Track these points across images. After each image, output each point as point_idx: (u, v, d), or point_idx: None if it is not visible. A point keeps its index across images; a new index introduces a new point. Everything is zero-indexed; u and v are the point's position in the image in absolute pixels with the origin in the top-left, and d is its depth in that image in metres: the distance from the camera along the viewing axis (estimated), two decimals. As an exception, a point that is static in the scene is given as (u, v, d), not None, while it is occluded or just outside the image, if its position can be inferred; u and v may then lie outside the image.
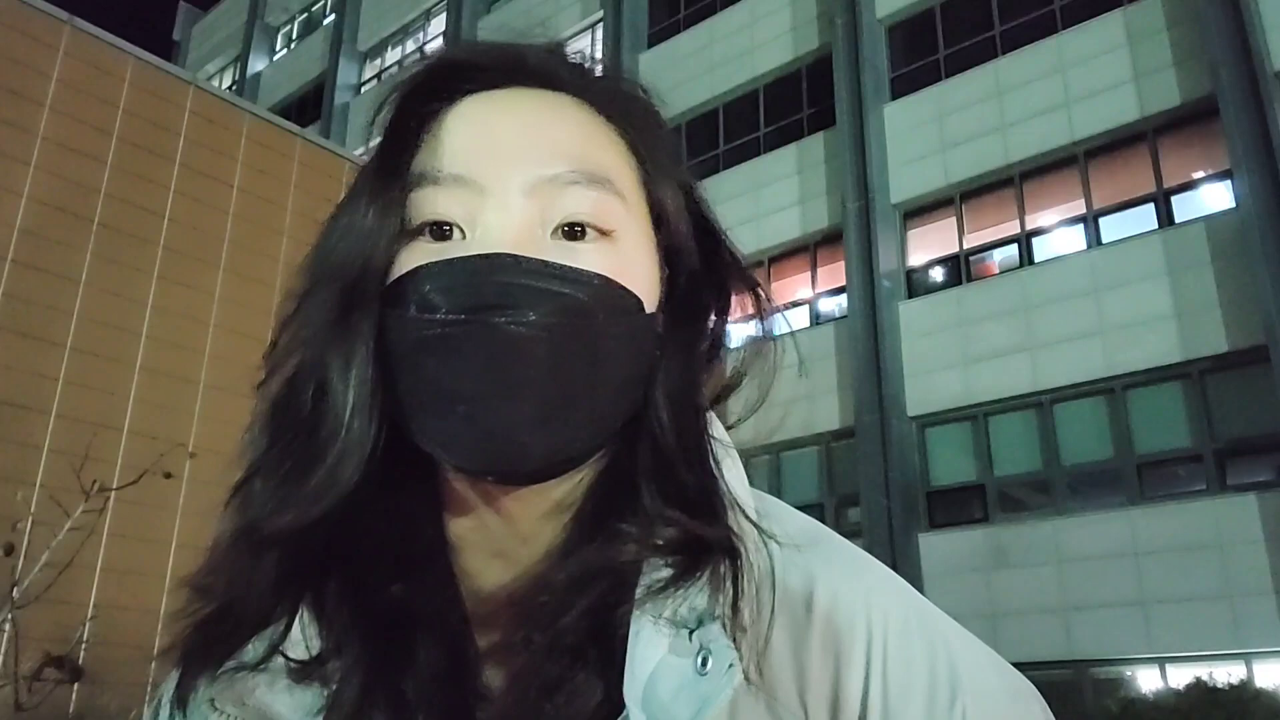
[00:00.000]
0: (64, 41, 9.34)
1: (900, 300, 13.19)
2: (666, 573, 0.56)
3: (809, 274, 14.37)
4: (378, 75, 23.03)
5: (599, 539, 0.58)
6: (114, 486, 4.30)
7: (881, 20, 14.50)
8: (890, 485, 12.08)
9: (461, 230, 0.57)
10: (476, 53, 0.62)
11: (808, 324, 14.13)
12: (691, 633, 0.54)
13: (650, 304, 0.60)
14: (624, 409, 0.59)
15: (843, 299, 13.73)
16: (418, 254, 0.57)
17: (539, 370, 0.53)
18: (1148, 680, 9.96)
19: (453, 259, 0.55)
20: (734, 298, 0.66)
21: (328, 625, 0.59)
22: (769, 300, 0.66)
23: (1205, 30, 11.28)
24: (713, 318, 0.65)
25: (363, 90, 23.15)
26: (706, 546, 0.56)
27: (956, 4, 14.00)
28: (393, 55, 23.00)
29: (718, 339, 0.65)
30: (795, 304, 14.39)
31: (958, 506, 12.00)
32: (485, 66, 0.61)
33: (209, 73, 26.83)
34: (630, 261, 0.59)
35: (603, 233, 0.58)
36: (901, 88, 14.17)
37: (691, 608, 0.55)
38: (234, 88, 25.52)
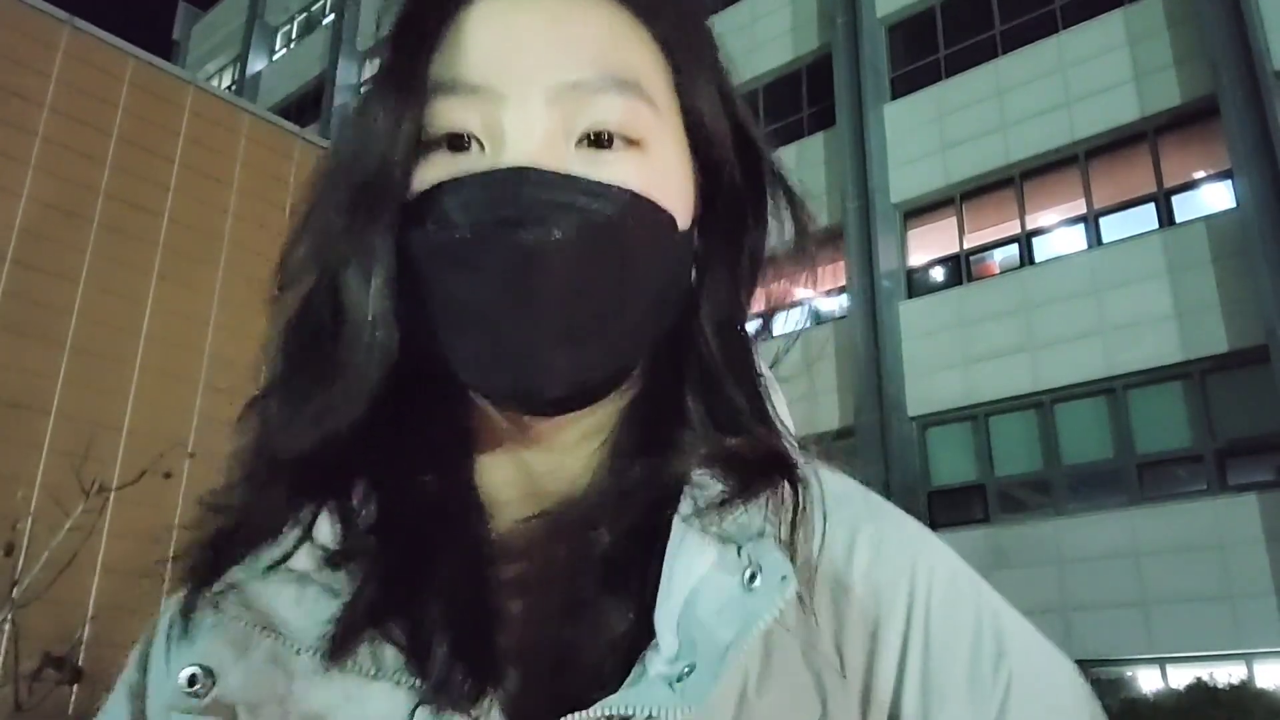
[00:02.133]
0: (64, 41, 9.34)
1: (900, 300, 13.19)
2: (719, 488, 0.53)
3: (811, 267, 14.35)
4: (378, 75, 23.00)
5: (648, 453, 0.55)
6: (114, 486, 4.29)
7: (882, 20, 14.50)
8: (890, 485, 12.07)
9: (480, 142, 0.53)
10: None
11: (808, 324, 14.10)
12: (740, 548, 0.51)
13: (684, 218, 0.56)
14: (656, 329, 0.56)
15: (843, 298, 13.72)
16: (436, 168, 0.54)
17: (563, 289, 0.51)
18: (1148, 680, 9.95)
19: (471, 174, 0.52)
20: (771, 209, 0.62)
21: (345, 529, 0.55)
22: (810, 216, 0.63)
23: (1205, 30, 11.27)
24: (752, 233, 0.61)
25: (362, 90, 23.07)
26: (769, 463, 0.54)
27: (957, 4, 13.99)
28: (393, 55, 22.98)
29: (757, 255, 0.61)
30: (795, 304, 14.36)
31: (958, 506, 12.00)
32: None
33: (209, 72, 26.81)
34: (662, 173, 0.55)
35: (631, 142, 0.54)
36: (901, 88, 14.16)
37: (741, 525, 0.52)
38: (234, 87, 25.51)
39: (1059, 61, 12.57)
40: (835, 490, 0.57)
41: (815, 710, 0.51)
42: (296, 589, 0.53)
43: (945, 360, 12.48)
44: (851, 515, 0.57)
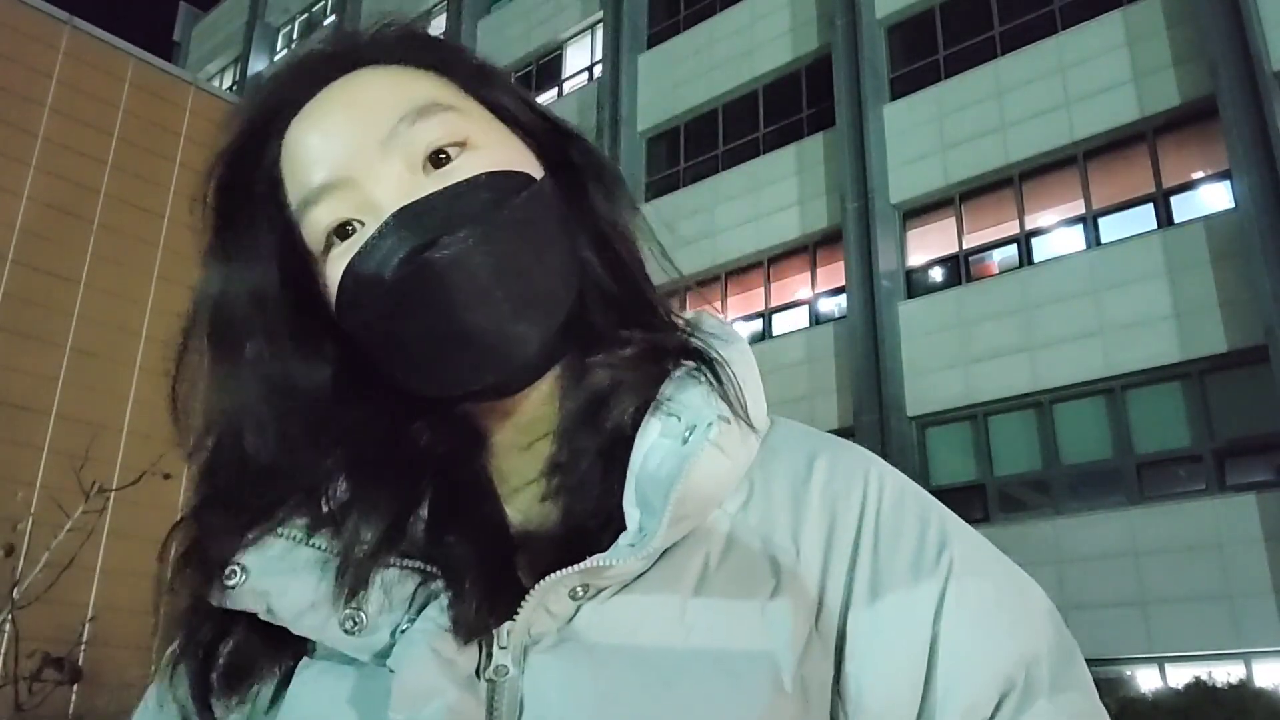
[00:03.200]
0: (64, 42, 9.35)
1: (900, 300, 13.19)
2: (658, 386, 0.63)
3: (809, 274, 14.37)
4: (377, 75, 23.01)
5: (582, 382, 0.64)
6: (114, 487, 4.30)
7: (881, 20, 14.50)
8: (890, 485, 12.07)
9: (361, 221, 0.61)
10: (270, 92, 0.66)
11: (808, 324, 14.13)
12: (680, 418, 0.60)
13: (535, 171, 0.65)
14: (575, 265, 0.65)
15: (842, 299, 13.73)
16: (340, 260, 0.61)
17: (487, 276, 0.58)
18: (1147, 680, 9.96)
19: (365, 244, 0.60)
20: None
21: (354, 478, 0.62)
22: (588, 144, 0.70)
23: (1205, 30, 11.28)
24: (581, 169, 0.69)
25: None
26: (666, 351, 0.64)
27: (956, 4, 14.00)
28: (392, 55, 22.98)
29: (600, 185, 0.69)
30: (795, 304, 14.39)
31: (957, 506, 11.40)
32: (283, 95, 0.65)
33: (209, 73, 26.83)
34: (496, 150, 0.64)
35: (460, 144, 0.62)
36: (901, 88, 14.17)
37: (688, 407, 0.61)
38: (234, 88, 25.52)
39: (1058, 62, 12.58)
40: (798, 428, 0.68)
41: (770, 583, 0.59)
42: (321, 504, 0.61)
43: (944, 360, 12.49)
44: (812, 443, 0.67)
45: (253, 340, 0.63)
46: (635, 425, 0.61)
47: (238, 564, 0.59)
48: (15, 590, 3.99)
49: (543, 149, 0.67)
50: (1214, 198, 11.27)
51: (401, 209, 0.59)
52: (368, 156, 0.61)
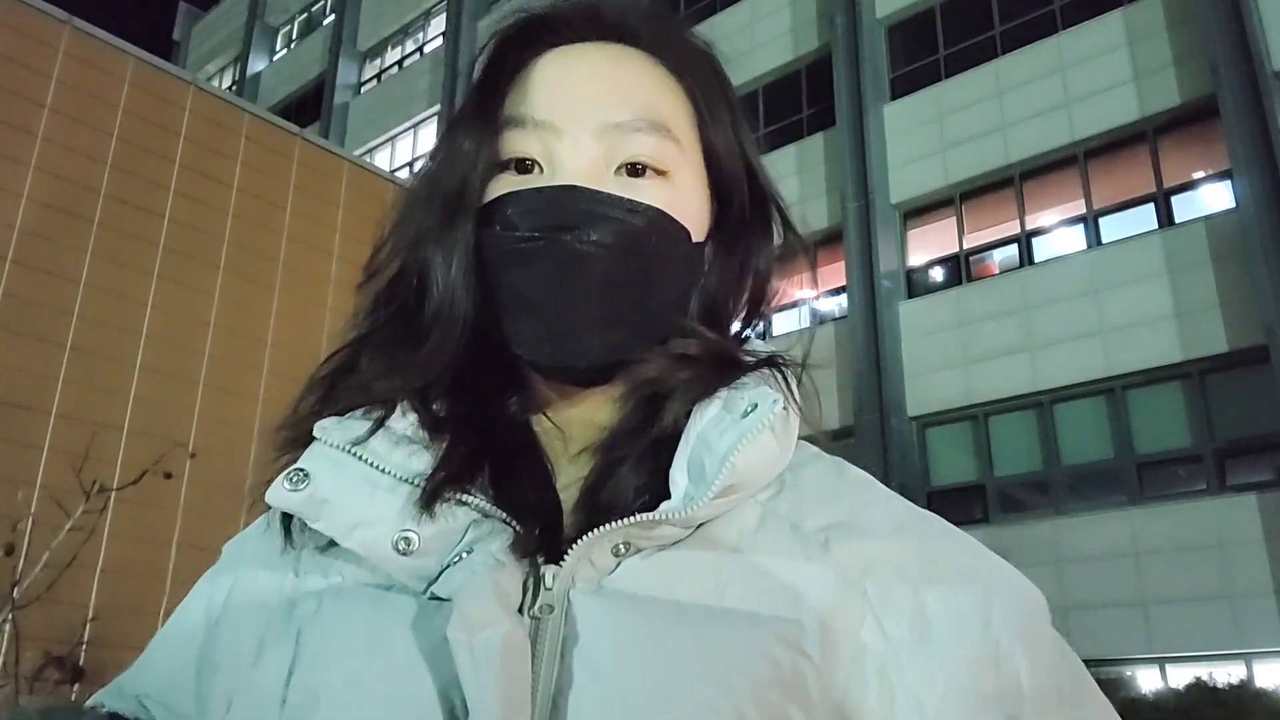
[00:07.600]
0: (64, 42, 9.34)
1: (900, 300, 13.20)
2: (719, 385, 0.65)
3: (809, 274, 14.36)
4: (377, 75, 23.00)
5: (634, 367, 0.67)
6: (114, 487, 4.30)
7: (881, 20, 14.51)
8: (890, 485, 11.98)
9: (541, 166, 0.66)
10: (560, 8, 0.71)
11: (808, 324, 14.12)
12: (743, 396, 0.64)
13: (699, 234, 0.70)
14: (672, 318, 0.69)
15: (843, 299, 13.73)
16: (505, 184, 0.67)
17: (598, 281, 0.63)
18: (1148, 680, 9.96)
19: (532, 188, 0.65)
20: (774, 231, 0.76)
21: (425, 415, 0.66)
22: (803, 242, 0.78)
23: (1205, 30, 11.28)
24: (749, 250, 0.74)
25: (362, 90, 23.12)
26: (729, 359, 0.67)
27: (956, 4, 14.00)
28: (392, 55, 22.98)
29: (748, 266, 0.74)
30: (795, 304, 14.39)
31: (958, 506, 12.00)
32: (568, 20, 0.70)
33: (209, 73, 26.82)
34: (683, 197, 0.68)
35: (659, 172, 0.67)
36: (901, 88, 14.17)
37: (750, 387, 0.64)
38: (234, 88, 25.51)
39: (1059, 61, 12.58)
40: (816, 449, 0.72)
41: (801, 557, 0.62)
42: (389, 437, 0.64)
43: (945, 360, 12.49)
44: (835, 459, 0.72)
45: (470, 212, 0.67)
46: (683, 420, 0.65)
47: (302, 469, 0.62)
48: (15, 590, 3.99)
49: (726, 206, 0.72)
50: (1215, 197, 11.27)
51: (575, 185, 0.64)
52: (583, 128, 0.66)
